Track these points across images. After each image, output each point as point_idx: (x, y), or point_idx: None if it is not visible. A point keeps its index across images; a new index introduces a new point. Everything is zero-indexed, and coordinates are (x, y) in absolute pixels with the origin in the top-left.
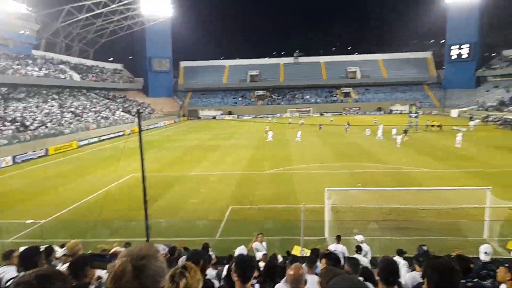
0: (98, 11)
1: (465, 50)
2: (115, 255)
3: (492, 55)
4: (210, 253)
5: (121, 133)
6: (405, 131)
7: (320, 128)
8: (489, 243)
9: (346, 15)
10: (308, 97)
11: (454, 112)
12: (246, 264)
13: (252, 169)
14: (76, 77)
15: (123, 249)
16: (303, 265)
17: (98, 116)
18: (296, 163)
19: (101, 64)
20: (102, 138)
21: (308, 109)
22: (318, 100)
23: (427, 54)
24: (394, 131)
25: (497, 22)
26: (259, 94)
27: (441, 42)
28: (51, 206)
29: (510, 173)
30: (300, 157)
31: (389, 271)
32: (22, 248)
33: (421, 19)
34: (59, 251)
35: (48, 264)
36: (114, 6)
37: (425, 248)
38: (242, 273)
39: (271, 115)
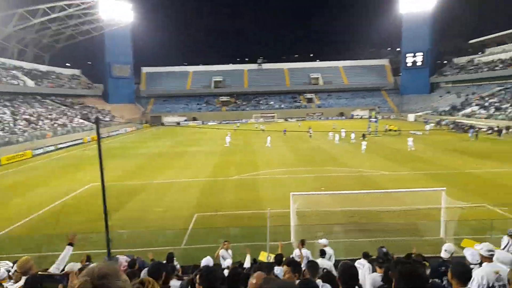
0: (54, 16)
1: (419, 58)
2: (66, 274)
3: (444, 62)
4: (175, 263)
5: (80, 141)
6: (363, 136)
7: (284, 133)
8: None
9: (308, 23)
10: (272, 103)
11: (410, 117)
12: (210, 276)
13: (218, 176)
14: (30, 83)
15: (78, 264)
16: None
17: (54, 123)
18: (262, 168)
19: (57, 69)
20: (60, 146)
21: (272, 114)
22: (282, 106)
23: (385, 62)
24: (353, 135)
25: (448, 31)
26: (223, 100)
27: (397, 50)
28: (2, 219)
29: (462, 174)
30: (266, 163)
31: (348, 276)
32: None
33: (379, 28)
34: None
35: None
36: (71, 10)
37: (384, 249)
38: (206, 285)
39: (237, 121)
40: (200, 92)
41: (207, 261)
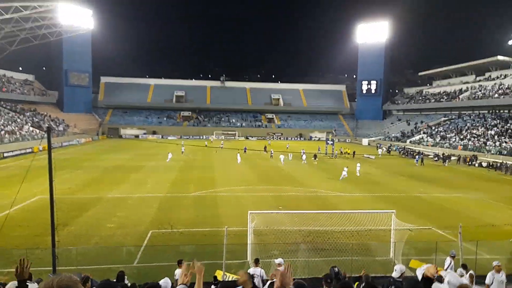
0: (7, 16)
1: (373, 86)
2: None
3: (396, 91)
4: (126, 282)
5: (30, 150)
6: (315, 156)
7: (245, 151)
8: (396, 263)
9: (272, 46)
10: (234, 120)
11: (364, 141)
12: None
13: (176, 192)
14: None
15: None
16: None
17: (1, 130)
18: (221, 185)
19: (8, 73)
20: (6, 155)
21: (234, 132)
22: (243, 124)
23: (342, 87)
24: (304, 156)
25: (399, 63)
26: (185, 115)
27: (353, 77)
28: None
29: (410, 197)
30: (225, 180)
31: None
32: None
33: (338, 55)
34: None
35: None
36: (27, 12)
37: (336, 269)
38: None
39: (197, 137)
40: (161, 106)
41: (165, 282)
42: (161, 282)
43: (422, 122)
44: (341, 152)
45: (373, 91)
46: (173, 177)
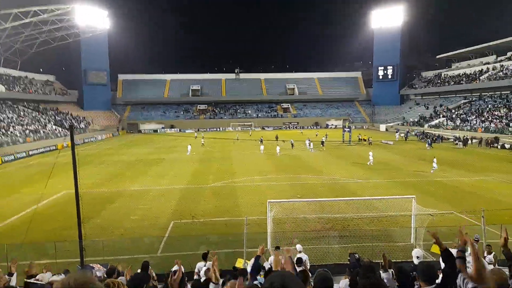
0: (27, 20)
1: (389, 71)
2: (50, 284)
3: (413, 75)
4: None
5: (54, 147)
6: (322, 143)
7: (261, 142)
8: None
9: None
10: (249, 111)
11: (382, 127)
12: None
13: (195, 183)
14: (1, 88)
15: (55, 277)
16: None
17: (26, 129)
18: (240, 176)
19: (30, 75)
20: (31, 153)
21: (250, 123)
22: (259, 115)
23: (358, 74)
24: (307, 142)
25: (416, 46)
26: (201, 108)
27: (369, 63)
28: None
29: (431, 182)
30: (243, 170)
31: (323, 285)
32: None
33: (352, 42)
34: None
35: None
36: (45, 16)
37: (356, 256)
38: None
39: (214, 129)
40: (178, 100)
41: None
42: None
43: (441, 105)
44: (359, 139)
45: (389, 77)
46: (193, 169)
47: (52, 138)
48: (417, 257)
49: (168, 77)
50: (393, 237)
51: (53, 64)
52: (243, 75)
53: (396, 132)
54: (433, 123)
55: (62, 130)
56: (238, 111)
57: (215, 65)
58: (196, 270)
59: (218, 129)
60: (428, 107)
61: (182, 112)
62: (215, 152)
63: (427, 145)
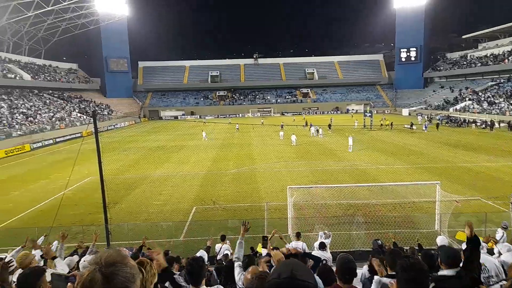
0: (49, 8)
1: (412, 53)
2: (74, 276)
3: (438, 57)
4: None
5: (79, 135)
6: (329, 126)
7: (282, 127)
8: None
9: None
10: (269, 97)
11: (405, 111)
12: (195, 267)
13: (216, 169)
14: (27, 77)
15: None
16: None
17: (52, 117)
18: (260, 162)
19: (54, 63)
20: (58, 140)
21: (269, 109)
22: (278, 100)
23: (379, 57)
24: (320, 130)
25: (441, 26)
26: (220, 94)
27: (391, 45)
28: (2, 212)
29: (456, 167)
30: (263, 156)
31: (346, 269)
32: None
33: (373, 24)
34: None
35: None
36: (65, 3)
37: (379, 242)
38: (191, 274)
39: (233, 115)
40: (197, 87)
41: (201, 253)
42: (197, 254)
43: (467, 88)
44: (381, 124)
45: (412, 59)
46: (213, 155)
47: (77, 125)
48: (439, 243)
49: (188, 63)
50: (416, 224)
51: (76, 52)
52: (261, 60)
53: (420, 115)
54: (458, 106)
55: (86, 118)
56: (257, 96)
57: (233, 51)
58: (216, 251)
59: (237, 115)
60: (453, 90)
61: (201, 99)
62: (235, 138)
63: (424, 128)
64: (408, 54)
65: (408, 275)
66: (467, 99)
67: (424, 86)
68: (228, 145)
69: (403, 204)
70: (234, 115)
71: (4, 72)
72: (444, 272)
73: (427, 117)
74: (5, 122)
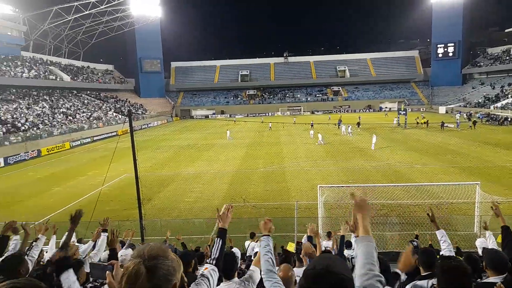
0: (87, 12)
1: (450, 49)
2: (111, 264)
3: (478, 52)
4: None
5: (114, 133)
6: (358, 124)
7: (312, 125)
8: (482, 237)
9: (334, 16)
10: (299, 95)
11: (441, 109)
12: (226, 260)
13: (246, 167)
14: (66, 78)
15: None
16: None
17: (90, 116)
18: (289, 160)
19: (91, 65)
20: (95, 138)
21: (299, 107)
22: (309, 99)
23: (414, 53)
24: (343, 127)
25: (481, 20)
26: (250, 93)
27: (427, 40)
28: (44, 207)
29: (496, 167)
30: (293, 155)
31: (381, 270)
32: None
33: (408, 19)
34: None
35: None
36: (102, 7)
37: (415, 243)
38: (223, 269)
39: (263, 114)
40: (228, 86)
41: (236, 251)
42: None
43: (509, 84)
44: (417, 122)
45: (450, 54)
46: (243, 154)
47: (113, 124)
48: (480, 246)
49: (218, 63)
50: (454, 226)
51: (112, 54)
52: (292, 59)
53: (458, 113)
54: (499, 104)
55: (121, 117)
56: (287, 95)
57: (263, 50)
58: (246, 247)
59: (267, 114)
60: (494, 86)
61: (231, 98)
62: (264, 137)
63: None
64: (445, 49)
65: (450, 277)
66: (509, 96)
67: (463, 83)
68: (257, 143)
69: (440, 205)
70: (264, 114)
71: (46, 73)
72: (490, 279)
73: (466, 115)
74: (47, 121)
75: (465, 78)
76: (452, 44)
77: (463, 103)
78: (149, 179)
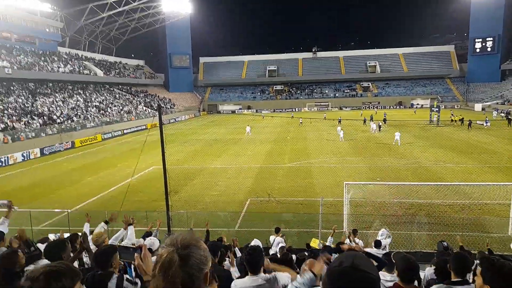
0: (120, 9)
1: (489, 43)
2: (139, 247)
3: None
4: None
5: (144, 127)
6: (384, 120)
7: (339, 122)
8: None
9: (365, 9)
10: (326, 91)
11: (477, 106)
12: (253, 255)
13: (271, 162)
14: (100, 73)
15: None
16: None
17: (121, 110)
18: (315, 156)
19: (123, 60)
20: (125, 131)
21: (326, 103)
22: (337, 95)
23: (450, 48)
24: (373, 125)
25: None
26: (277, 89)
27: (464, 35)
28: (77, 196)
29: None
30: (319, 151)
31: (409, 269)
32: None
33: (443, 12)
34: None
35: (76, 251)
36: (135, 4)
37: (445, 244)
38: (250, 263)
39: (289, 110)
40: (255, 81)
41: (255, 241)
42: (252, 242)
43: None
44: (452, 119)
45: (488, 49)
46: (268, 149)
47: (142, 118)
48: None
49: (246, 58)
50: (487, 227)
51: (143, 49)
52: (320, 54)
53: (494, 111)
54: None
55: (151, 111)
56: (315, 91)
57: (292, 45)
58: (271, 242)
59: (294, 110)
60: None
61: (258, 93)
62: (290, 133)
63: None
64: (483, 44)
65: (500, 278)
66: None
67: (501, 79)
68: (283, 139)
69: (472, 205)
70: (291, 110)
71: (81, 68)
72: None
73: (504, 113)
74: (81, 114)
75: (504, 74)
76: (491, 39)
77: (501, 101)
78: (176, 172)
